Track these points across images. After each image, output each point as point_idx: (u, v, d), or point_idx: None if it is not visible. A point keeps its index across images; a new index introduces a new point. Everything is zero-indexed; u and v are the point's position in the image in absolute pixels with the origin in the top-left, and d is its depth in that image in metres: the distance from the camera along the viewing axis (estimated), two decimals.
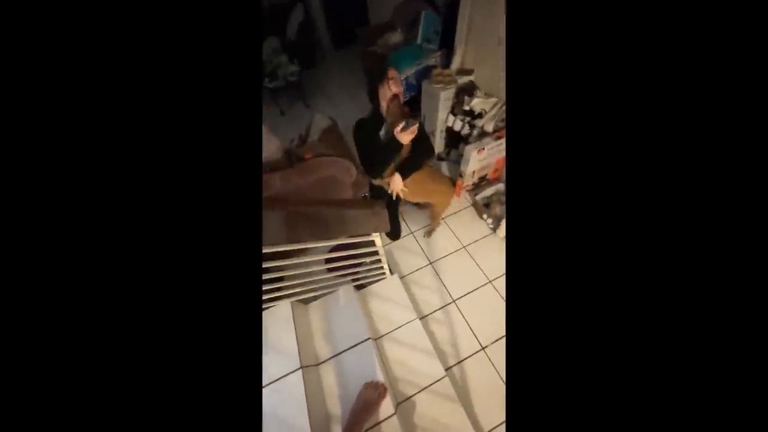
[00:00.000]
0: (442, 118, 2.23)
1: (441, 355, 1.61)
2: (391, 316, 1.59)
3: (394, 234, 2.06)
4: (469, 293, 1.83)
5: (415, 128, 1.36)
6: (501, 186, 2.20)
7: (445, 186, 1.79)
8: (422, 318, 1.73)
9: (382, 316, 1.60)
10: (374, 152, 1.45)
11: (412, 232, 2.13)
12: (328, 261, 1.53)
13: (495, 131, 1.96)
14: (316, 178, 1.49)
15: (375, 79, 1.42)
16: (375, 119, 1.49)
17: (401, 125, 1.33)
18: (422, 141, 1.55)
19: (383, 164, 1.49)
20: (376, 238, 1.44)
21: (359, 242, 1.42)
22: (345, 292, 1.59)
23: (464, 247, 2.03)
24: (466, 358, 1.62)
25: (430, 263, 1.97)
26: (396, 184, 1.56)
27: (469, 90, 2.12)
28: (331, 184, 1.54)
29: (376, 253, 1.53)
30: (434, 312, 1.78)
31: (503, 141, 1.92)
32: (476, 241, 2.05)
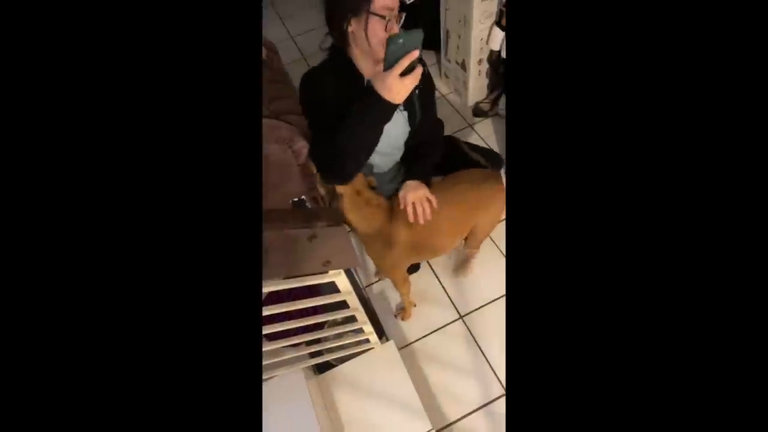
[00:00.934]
0: (478, 35, 1.29)
1: None
2: (382, 424, 0.90)
3: (495, 160, 1.04)
4: None
5: (418, 73, 0.66)
6: None
7: (492, 187, 0.96)
8: (447, 427, 0.99)
9: (365, 424, 0.93)
10: (344, 129, 0.74)
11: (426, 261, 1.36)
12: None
13: None
14: None
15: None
16: (338, 70, 0.83)
17: (402, 64, 0.65)
18: (427, 106, 0.87)
19: (356, 156, 0.78)
20: (338, 277, 0.74)
21: (313, 285, 0.77)
22: (286, 381, 0.88)
23: None
24: None
25: (461, 317, 1.19)
26: (416, 198, 0.85)
27: None
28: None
29: (343, 304, 0.81)
30: (471, 414, 1.00)
31: None
32: None
